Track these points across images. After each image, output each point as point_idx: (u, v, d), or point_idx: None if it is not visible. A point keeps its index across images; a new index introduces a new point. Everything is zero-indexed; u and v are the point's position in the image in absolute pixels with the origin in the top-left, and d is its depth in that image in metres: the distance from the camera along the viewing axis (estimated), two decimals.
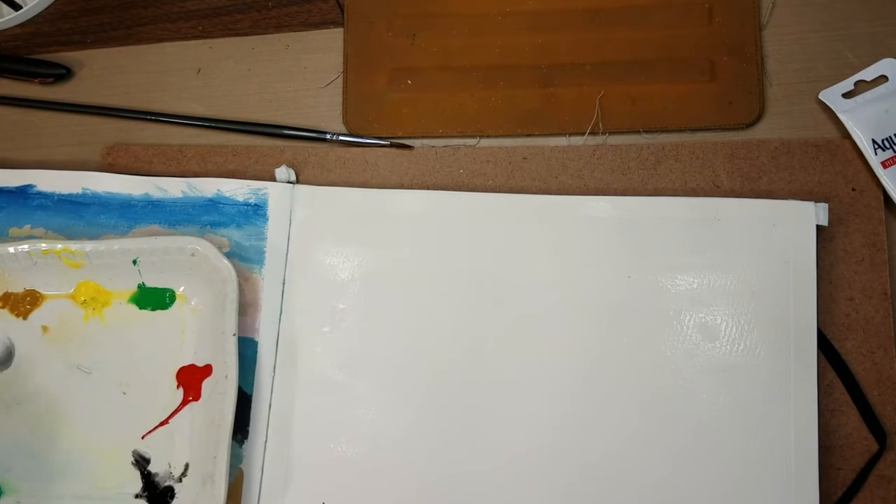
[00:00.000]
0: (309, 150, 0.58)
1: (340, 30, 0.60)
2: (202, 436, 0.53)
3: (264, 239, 0.56)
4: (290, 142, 0.59)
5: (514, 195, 0.55)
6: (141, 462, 0.54)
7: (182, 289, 0.56)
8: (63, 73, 0.61)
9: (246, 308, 0.55)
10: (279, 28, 0.61)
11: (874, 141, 0.53)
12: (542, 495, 0.51)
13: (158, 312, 0.56)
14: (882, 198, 0.53)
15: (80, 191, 0.58)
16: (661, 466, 0.51)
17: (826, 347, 0.52)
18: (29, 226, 0.58)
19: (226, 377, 0.52)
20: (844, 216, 0.53)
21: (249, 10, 0.61)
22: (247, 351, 0.54)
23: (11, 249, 0.55)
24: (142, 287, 0.56)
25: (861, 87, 0.55)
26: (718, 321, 0.52)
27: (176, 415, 0.55)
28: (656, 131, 0.56)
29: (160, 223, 0.57)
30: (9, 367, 0.56)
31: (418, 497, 0.53)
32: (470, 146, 0.57)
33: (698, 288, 0.53)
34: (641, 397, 0.52)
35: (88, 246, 0.55)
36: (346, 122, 0.59)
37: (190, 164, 0.59)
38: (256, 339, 0.55)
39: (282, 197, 0.57)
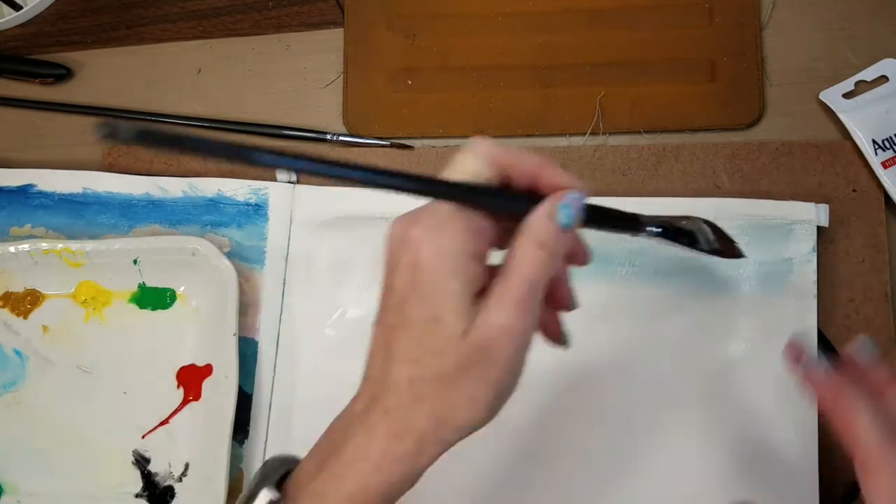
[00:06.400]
0: (310, 151, 0.58)
1: (340, 30, 0.60)
2: (202, 436, 0.53)
3: (265, 239, 0.56)
4: (290, 142, 0.59)
5: None
6: (141, 462, 0.54)
7: (182, 288, 0.56)
8: (63, 74, 0.61)
9: (246, 308, 0.55)
10: (279, 28, 0.61)
11: (874, 141, 0.53)
12: (533, 481, 0.51)
13: (159, 312, 0.56)
14: (883, 199, 0.53)
15: (80, 190, 0.58)
16: (660, 465, 0.51)
17: (826, 348, 0.52)
18: (30, 225, 0.58)
19: (226, 377, 0.52)
20: (845, 217, 0.53)
21: (250, 11, 0.61)
22: (247, 351, 0.54)
23: (12, 249, 0.55)
24: (142, 287, 0.56)
25: (861, 87, 0.55)
26: (718, 322, 0.52)
27: (176, 415, 0.55)
28: (657, 132, 0.56)
29: (161, 223, 0.57)
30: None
31: (418, 496, 0.52)
32: None
33: (698, 289, 0.53)
34: (640, 397, 0.52)
35: (89, 245, 0.55)
36: (346, 123, 0.59)
37: (190, 163, 0.59)
38: (257, 339, 0.55)
39: (282, 197, 0.57)
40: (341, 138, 0.58)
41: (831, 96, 0.55)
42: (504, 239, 0.36)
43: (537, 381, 0.53)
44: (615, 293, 0.53)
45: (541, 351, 0.53)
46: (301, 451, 0.54)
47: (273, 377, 0.54)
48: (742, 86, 0.56)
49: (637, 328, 0.53)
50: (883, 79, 0.54)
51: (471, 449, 0.52)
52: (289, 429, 0.54)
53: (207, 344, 0.55)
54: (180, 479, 0.54)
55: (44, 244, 0.55)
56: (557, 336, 0.39)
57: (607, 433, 0.52)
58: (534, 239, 0.34)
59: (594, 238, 0.53)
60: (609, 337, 0.53)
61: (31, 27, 0.63)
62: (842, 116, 0.54)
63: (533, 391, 0.53)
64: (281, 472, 0.36)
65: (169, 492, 0.54)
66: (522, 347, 0.34)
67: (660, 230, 0.38)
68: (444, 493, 0.52)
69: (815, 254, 0.52)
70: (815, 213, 0.52)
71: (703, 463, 0.51)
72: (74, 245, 0.55)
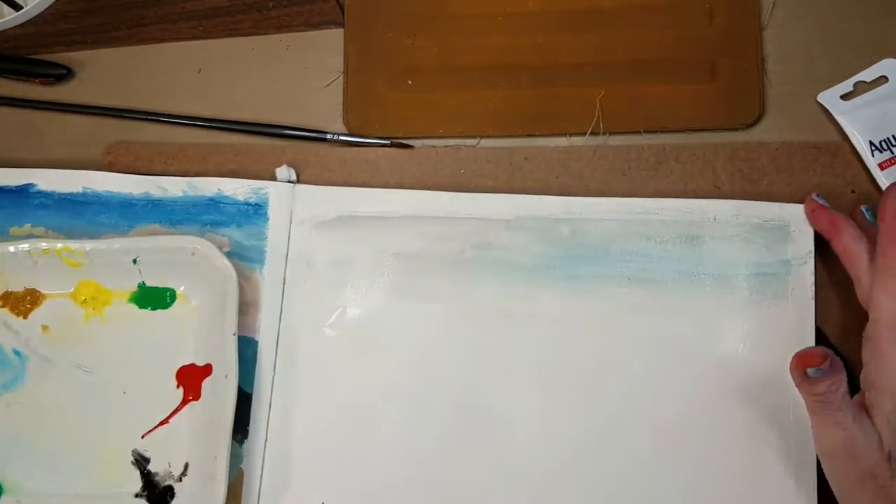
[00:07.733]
0: (310, 150, 0.58)
1: (341, 30, 0.60)
2: (202, 435, 0.53)
3: (265, 238, 0.56)
4: (290, 142, 0.59)
5: (515, 196, 0.55)
6: (141, 462, 0.54)
7: (182, 288, 0.56)
8: (64, 74, 0.61)
9: (246, 307, 0.55)
10: (280, 28, 0.61)
11: (871, 143, 0.53)
12: (535, 485, 0.51)
13: (159, 312, 0.56)
14: None
15: (80, 190, 0.58)
16: (658, 465, 0.51)
17: (827, 346, 0.52)
18: (29, 225, 0.58)
19: (226, 377, 0.52)
20: None
21: (250, 11, 0.61)
22: (247, 350, 0.54)
23: (11, 248, 0.55)
24: (142, 286, 0.56)
25: (861, 87, 0.55)
26: (716, 324, 0.52)
27: (176, 414, 0.55)
28: (657, 132, 0.56)
29: (160, 222, 0.57)
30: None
31: (418, 497, 0.53)
32: (471, 146, 0.57)
33: (697, 289, 0.53)
34: (637, 400, 0.52)
35: (89, 245, 0.55)
36: (346, 122, 0.59)
37: (190, 163, 0.59)
38: (256, 339, 0.55)
39: (282, 196, 0.57)
40: (341, 138, 0.58)
41: (829, 98, 0.55)
42: None
43: (534, 386, 0.53)
44: (617, 297, 0.53)
45: (531, 357, 0.53)
46: (301, 450, 0.54)
47: (273, 377, 0.54)
48: (742, 86, 0.56)
49: (633, 331, 0.53)
50: (883, 79, 0.55)
51: (463, 447, 0.53)
52: (289, 429, 0.54)
53: (207, 344, 0.55)
54: (180, 479, 0.54)
55: (43, 244, 0.55)
56: None
57: (604, 439, 0.52)
58: None
59: (591, 240, 0.54)
60: (605, 340, 0.53)
61: (31, 27, 0.63)
62: (839, 118, 0.54)
63: (527, 399, 0.53)
64: None
65: (169, 492, 0.54)
66: None
67: None
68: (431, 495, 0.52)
69: (814, 255, 0.52)
70: None
71: (700, 462, 0.51)
72: (74, 245, 0.55)
